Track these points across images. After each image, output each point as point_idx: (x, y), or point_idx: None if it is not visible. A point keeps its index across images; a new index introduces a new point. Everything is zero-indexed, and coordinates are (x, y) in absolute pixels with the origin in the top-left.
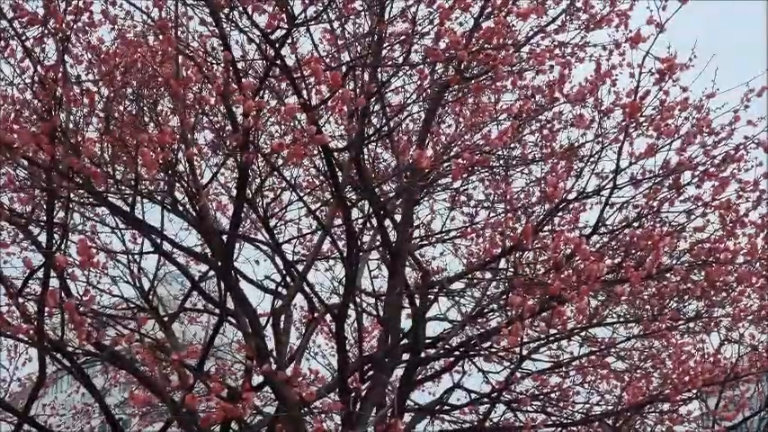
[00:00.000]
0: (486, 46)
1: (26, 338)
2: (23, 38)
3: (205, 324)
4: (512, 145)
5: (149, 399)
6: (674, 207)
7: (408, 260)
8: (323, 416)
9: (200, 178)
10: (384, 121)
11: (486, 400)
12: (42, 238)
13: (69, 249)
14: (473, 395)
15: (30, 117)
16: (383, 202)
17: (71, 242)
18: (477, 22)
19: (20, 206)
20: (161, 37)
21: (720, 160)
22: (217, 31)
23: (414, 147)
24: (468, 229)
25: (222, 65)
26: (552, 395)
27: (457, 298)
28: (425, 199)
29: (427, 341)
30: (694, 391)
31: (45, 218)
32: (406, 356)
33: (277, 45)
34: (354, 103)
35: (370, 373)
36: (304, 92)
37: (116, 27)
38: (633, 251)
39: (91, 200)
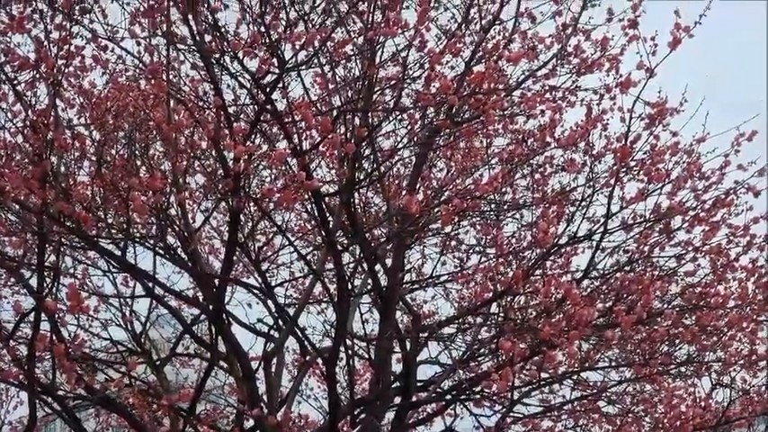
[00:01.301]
0: (476, 90)
1: (17, 382)
2: (15, 82)
3: (197, 367)
4: (503, 190)
5: None
6: (665, 252)
7: (399, 304)
8: None
9: (192, 222)
10: (375, 165)
11: None
12: (34, 282)
13: (60, 293)
14: None
15: (21, 161)
16: (374, 246)
17: (62, 286)
18: (469, 66)
19: (11, 250)
20: (153, 81)
21: (711, 205)
22: (208, 75)
23: (404, 191)
24: (459, 274)
25: (213, 109)
26: None
27: (448, 342)
28: (416, 243)
29: (418, 385)
30: None
31: (36, 261)
32: (397, 400)
33: (268, 90)
34: (345, 149)
35: (362, 416)
36: (295, 136)
37: (108, 71)
38: (624, 295)
39: (82, 244)
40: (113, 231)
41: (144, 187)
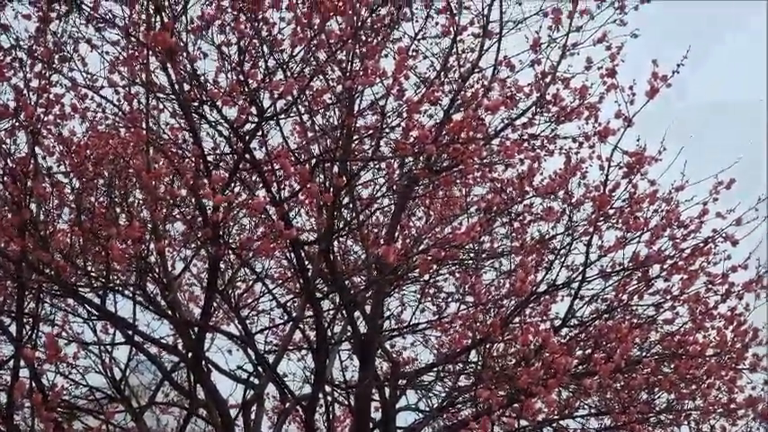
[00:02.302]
0: (455, 139)
1: None
2: None
3: (177, 415)
4: (481, 238)
5: None
6: (644, 300)
7: (379, 351)
8: None
9: (171, 269)
10: (354, 214)
11: None
12: (13, 329)
13: (40, 340)
14: None
15: (0, 209)
16: (353, 294)
17: (42, 333)
18: (447, 115)
19: None
20: (132, 129)
21: (689, 253)
22: (187, 123)
23: (383, 240)
24: (438, 322)
25: (192, 158)
26: None
27: (427, 389)
28: (395, 291)
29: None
30: None
31: (15, 309)
32: None
33: (246, 138)
34: (323, 198)
35: None
36: (275, 185)
37: (87, 119)
38: (603, 343)
39: (61, 292)
40: (93, 279)
41: (123, 236)
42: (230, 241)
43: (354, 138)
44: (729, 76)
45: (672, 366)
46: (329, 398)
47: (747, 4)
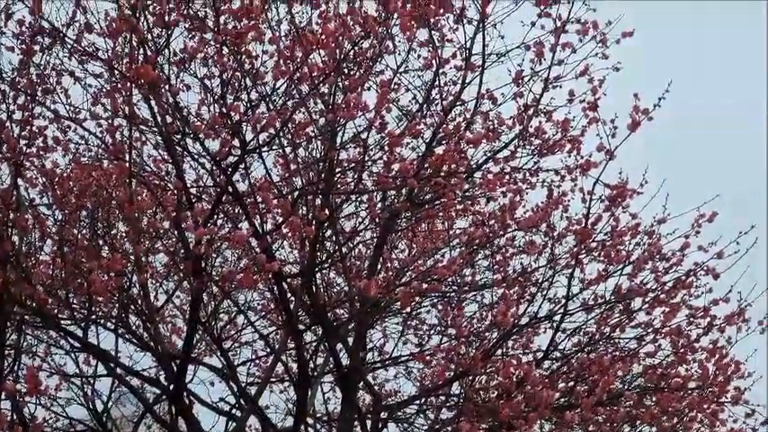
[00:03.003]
0: (437, 173)
1: None
2: None
3: None
4: (464, 271)
5: None
6: (626, 333)
7: (361, 383)
8: None
9: (154, 301)
10: (336, 247)
11: None
12: None
13: (22, 372)
14: None
15: None
16: (335, 326)
17: (24, 365)
18: (429, 148)
19: None
20: (115, 162)
21: (671, 287)
22: (170, 156)
23: (365, 272)
24: (420, 354)
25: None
26: None
27: (409, 422)
28: (378, 323)
29: None
30: None
31: None
32: None
33: (229, 171)
34: (305, 231)
35: None
36: (258, 217)
37: (70, 151)
38: (585, 376)
39: (43, 324)
40: (75, 311)
41: (105, 268)
42: (213, 273)
43: (337, 171)
44: (713, 106)
45: (654, 399)
46: (311, 430)
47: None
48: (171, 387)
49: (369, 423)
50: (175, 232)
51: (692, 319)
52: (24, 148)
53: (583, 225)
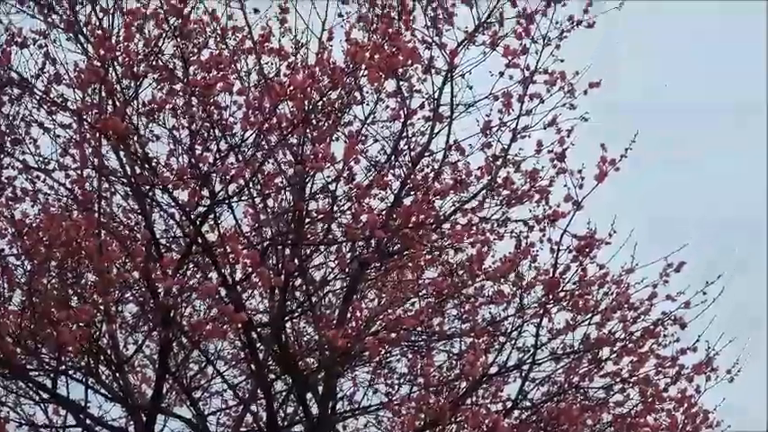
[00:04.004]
0: (405, 224)
1: None
2: None
3: None
4: (433, 320)
5: None
6: (594, 382)
7: None
8: None
9: (124, 350)
10: (306, 296)
11: None
12: None
13: None
14: None
15: None
16: (305, 375)
17: None
18: (398, 199)
19: None
20: (84, 212)
21: (639, 336)
22: (138, 207)
23: (335, 321)
24: (389, 403)
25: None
26: None
27: None
28: (348, 372)
29: None
30: None
31: None
32: None
33: (198, 222)
34: (274, 282)
35: None
36: (227, 267)
37: (39, 202)
38: (554, 426)
39: (12, 375)
40: (44, 362)
41: (74, 319)
42: (182, 323)
43: (306, 221)
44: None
45: None
46: None
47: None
48: None
49: None
50: (145, 282)
51: (660, 369)
52: None
53: (551, 275)
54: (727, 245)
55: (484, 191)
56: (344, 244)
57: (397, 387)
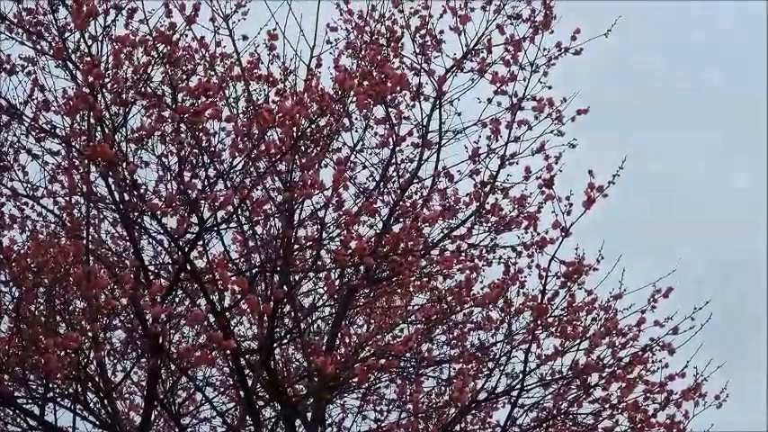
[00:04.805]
0: (394, 251)
1: None
2: None
3: None
4: (422, 346)
5: None
6: (583, 408)
7: None
8: None
9: (112, 377)
10: (295, 323)
11: None
12: None
13: None
14: None
15: None
16: (294, 402)
17: None
18: (386, 226)
19: None
20: (72, 239)
21: (628, 362)
22: (127, 234)
23: (324, 347)
24: (379, 429)
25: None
26: None
27: None
28: (336, 398)
29: None
30: None
31: None
32: None
33: (186, 249)
34: (263, 309)
35: None
36: (216, 294)
37: (27, 228)
38: None
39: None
40: (32, 389)
41: (61, 345)
42: (171, 350)
43: (295, 248)
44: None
45: None
46: None
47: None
48: None
49: None
50: (133, 309)
51: (648, 395)
52: None
53: (539, 301)
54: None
55: (472, 217)
56: (333, 270)
57: (385, 413)
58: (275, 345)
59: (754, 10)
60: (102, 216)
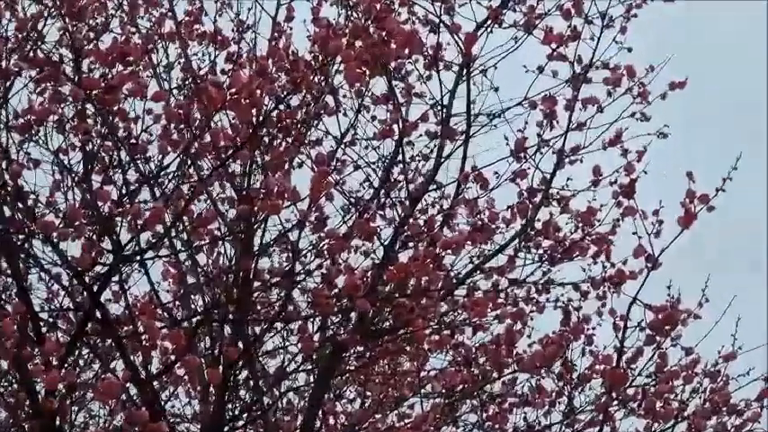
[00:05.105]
0: (401, 290)
1: None
2: None
3: None
4: (443, 430)
5: None
6: None
7: None
8: None
9: None
10: (255, 396)
11: None
12: None
13: None
14: None
15: None
16: None
17: None
18: (390, 252)
19: None
20: None
21: None
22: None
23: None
24: None
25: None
26: None
27: None
28: None
29: None
30: None
31: None
32: None
33: (96, 287)
34: (209, 374)
35: None
36: (139, 354)
37: None
38: None
39: None
40: None
41: None
42: None
43: (255, 286)
44: None
45: None
46: None
47: None
48: None
49: None
50: (17, 376)
51: None
52: None
53: (614, 364)
54: None
55: (516, 241)
56: (311, 320)
57: None
58: (226, 429)
59: None
60: None
